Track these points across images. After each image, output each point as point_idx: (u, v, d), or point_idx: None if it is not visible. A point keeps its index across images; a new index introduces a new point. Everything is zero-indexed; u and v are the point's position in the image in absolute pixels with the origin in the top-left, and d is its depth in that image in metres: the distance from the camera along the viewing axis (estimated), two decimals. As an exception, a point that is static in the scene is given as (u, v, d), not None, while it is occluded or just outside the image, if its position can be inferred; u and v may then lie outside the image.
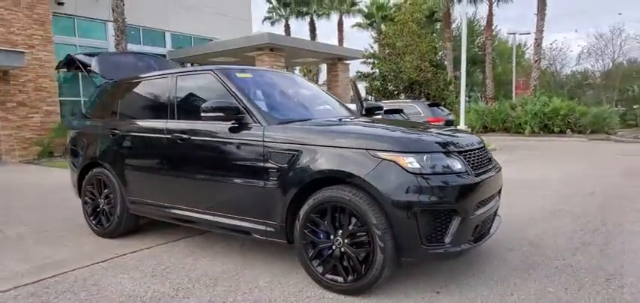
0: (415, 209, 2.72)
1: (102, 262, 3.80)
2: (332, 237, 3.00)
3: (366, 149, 2.88)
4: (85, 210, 4.69)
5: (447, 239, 2.81)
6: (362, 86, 19.59)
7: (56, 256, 3.99)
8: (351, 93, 13.35)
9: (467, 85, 19.75)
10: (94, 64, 4.93)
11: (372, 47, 30.45)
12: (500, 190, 3.57)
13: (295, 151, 3.12)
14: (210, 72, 3.85)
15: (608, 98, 30.04)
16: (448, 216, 2.80)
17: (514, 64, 28.89)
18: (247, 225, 3.43)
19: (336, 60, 19.97)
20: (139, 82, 4.47)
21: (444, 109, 13.51)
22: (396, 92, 17.07)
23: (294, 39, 17.10)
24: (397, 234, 2.77)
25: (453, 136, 3.23)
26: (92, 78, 5.24)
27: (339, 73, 19.58)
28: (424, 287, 3.06)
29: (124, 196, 4.29)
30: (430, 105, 12.61)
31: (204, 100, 3.80)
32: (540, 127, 20.14)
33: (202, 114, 3.40)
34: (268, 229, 3.31)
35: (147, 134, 4.09)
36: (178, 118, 3.92)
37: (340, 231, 2.96)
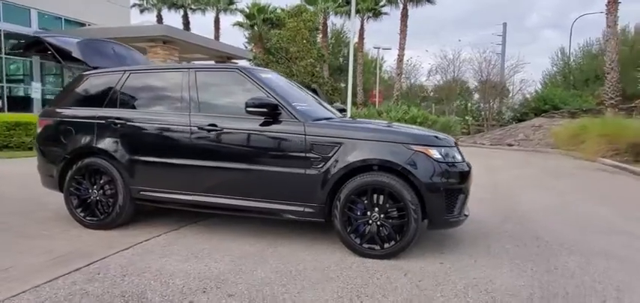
0: (441, 188, 3.65)
1: (125, 249, 3.84)
2: (368, 213, 3.74)
3: (402, 143, 3.71)
4: (69, 203, 4.48)
5: (456, 211, 3.80)
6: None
7: (61, 248, 3.84)
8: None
9: (334, 93, 21.75)
10: (76, 50, 4.69)
11: (246, 47, 30.93)
12: None
13: (338, 143, 3.77)
14: (236, 70, 4.21)
15: (450, 109, 35.82)
16: (457, 193, 3.79)
17: (378, 75, 32.45)
18: (282, 207, 3.93)
19: (225, 58, 20.05)
20: (145, 73, 4.51)
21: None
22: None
23: (190, 34, 16.77)
24: (428, 208, 3.65)
25: (447, 135, 4.26)
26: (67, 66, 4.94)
27: (229, 71, 19.68)
28: (432, 251, 3.99)
29: (128, 186, 4.30)
30: (330, 108, 13.86)
31: (230, 96, 4.21)
32: (403, 132, 23.25)
33: (247, 109, 3.82)
34: (306, 210, 3.88)
35: (165, 125, 4.22)
36: (201, 112, 4.17)
37: (376, 208, 3.73)
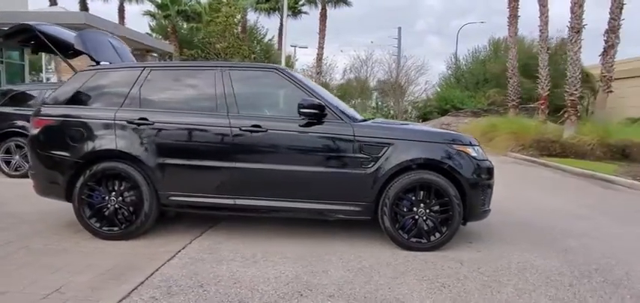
0: (479, 183, 4.03)
1: (170, 259, 3.61)
2: (415, 209, 3.98)
3: (446, 143, 4.01)
4: (80, 213, 4.00)
5: (487, 204, 4.22)
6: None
7: (100, 263, 3.47)
8: None
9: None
10: (78, 42, 4.17)
11: (151, 35, 29.34)
12: None
13: (388, 144, 3.95)
14: (273, 70, 4.16)
15: (361, 106, 37.56)
16: (487, 187, 4.21)
17: (295, 73, 32.85)
18: (331, 207, 4.00)
19: (145, 51, 18.79)
20: (170, 70, 4.21)
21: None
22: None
23: (113, 24, 15.39)
24: (469, 202, 3.99)
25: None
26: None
27: (149, 65, 18.52)
28: (461, 241, 4.35)
29: (155, 191, 3.99)
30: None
31: (267, 97, 4.18)
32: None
33: (301, 110, 3.83)
34: (355, 208, 3.99)
35: (200, 127, 4.00)
36: (240, 112, 4.03)
37: (422, 204, 3.98)
